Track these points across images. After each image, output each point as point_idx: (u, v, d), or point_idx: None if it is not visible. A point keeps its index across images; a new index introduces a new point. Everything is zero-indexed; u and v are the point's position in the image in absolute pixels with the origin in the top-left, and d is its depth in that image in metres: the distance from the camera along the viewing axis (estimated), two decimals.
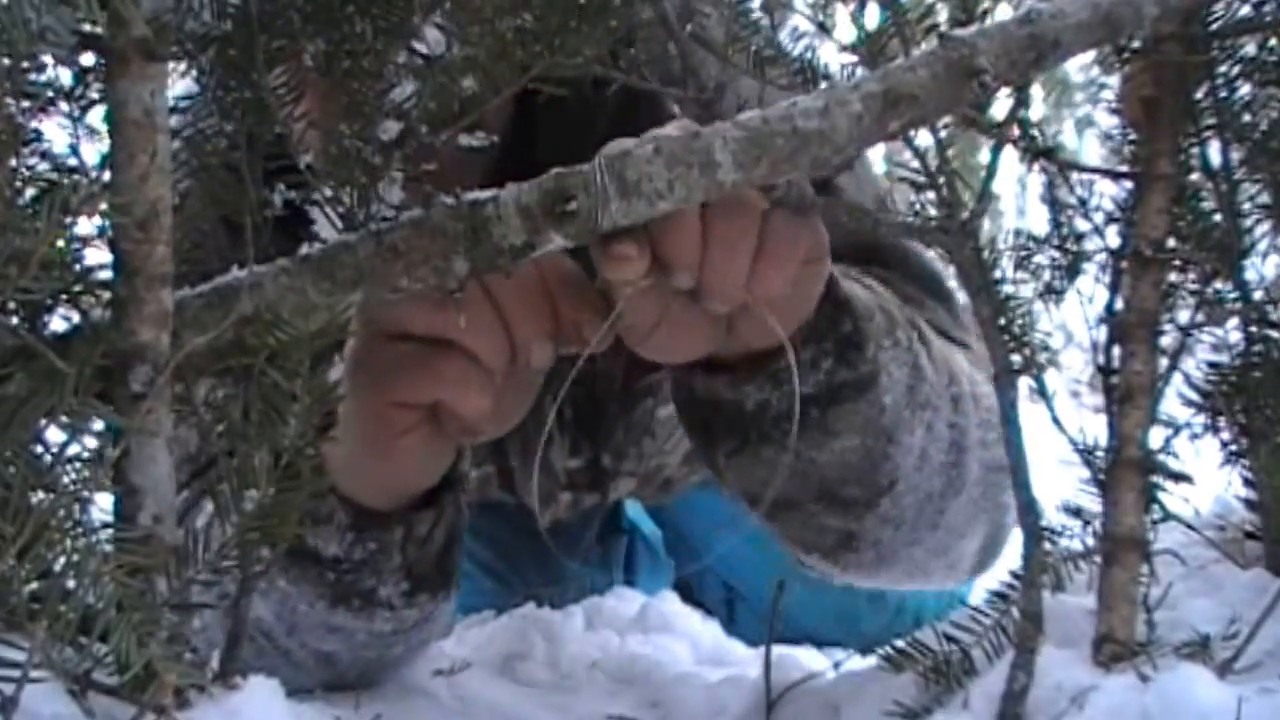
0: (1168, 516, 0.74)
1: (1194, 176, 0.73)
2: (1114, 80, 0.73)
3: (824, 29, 0.71)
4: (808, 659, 1.15)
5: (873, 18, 0.69)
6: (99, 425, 0.51)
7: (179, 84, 0.56)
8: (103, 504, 0.53)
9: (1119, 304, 0.73)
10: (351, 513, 0.85)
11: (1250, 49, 0.73)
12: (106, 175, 0.52)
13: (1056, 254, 0.76)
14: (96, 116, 0.53)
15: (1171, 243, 0.72)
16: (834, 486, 0.91)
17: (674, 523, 1.61)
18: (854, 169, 0.96)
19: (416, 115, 0.61)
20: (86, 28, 0.51)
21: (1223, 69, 0.72)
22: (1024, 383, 0.73)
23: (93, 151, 0.54)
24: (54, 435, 0.50)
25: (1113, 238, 0.74)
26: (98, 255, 0.53)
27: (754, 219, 0.72)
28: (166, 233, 0.52)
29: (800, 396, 0.78)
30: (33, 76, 0.50)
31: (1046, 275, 0.76)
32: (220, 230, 0.61)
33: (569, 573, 1.56)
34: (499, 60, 0.60)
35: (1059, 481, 0.80)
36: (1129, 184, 0.73)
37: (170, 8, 0.52)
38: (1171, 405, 0.74)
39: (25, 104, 0.50)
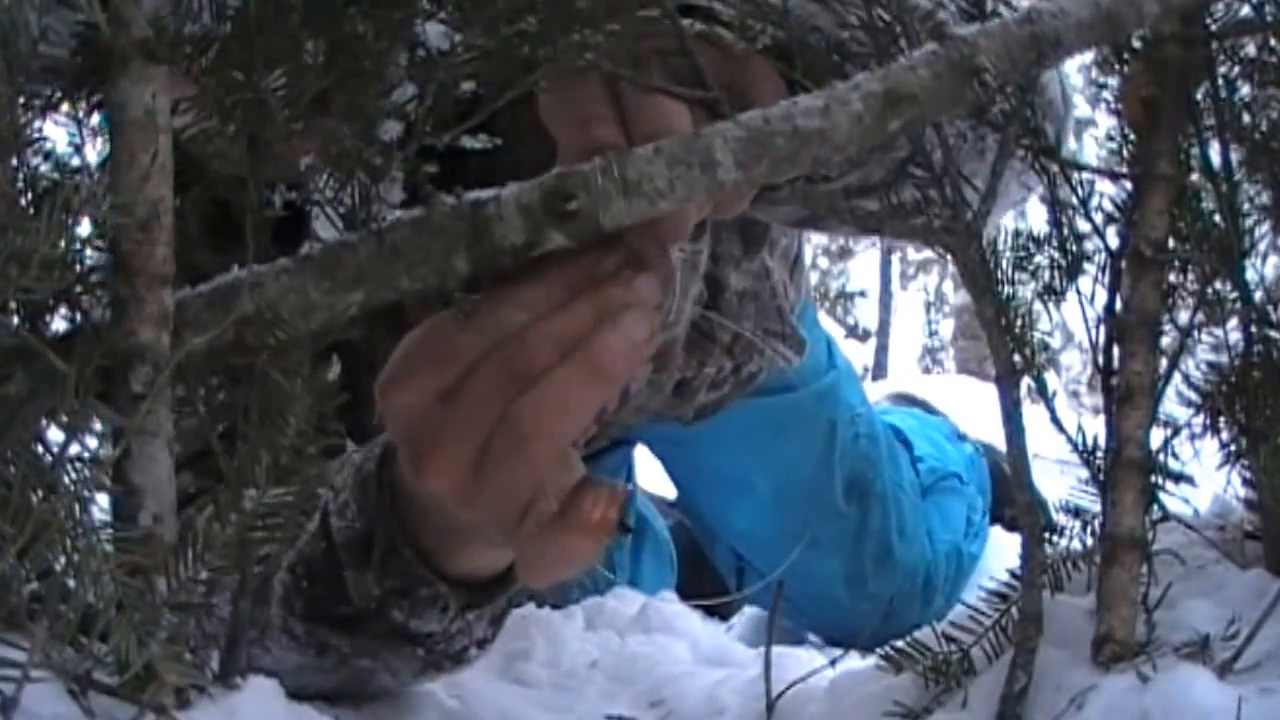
0: (1167, 516, 0.74)
1: (1194, 177, 0.73)
2: (1114, 80, 0.73)
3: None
4: (808, 659, 1.15)
5: None
6: (99, 425, 0.51)
7: None
8: (104, 504, 0.53)
9: (1119, 304, 0.73)
10: (465, 593, 0.82)
11: (1250, 49, 0.73)
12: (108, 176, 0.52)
13: (1056, 254, 0.76)
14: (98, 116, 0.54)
15: (1171, 243, 0.72)
16: (854, 191, 0.88)
17: (691, 492, 1.61)
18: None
19: (418, 116, 0.61)
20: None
21: (1223, 69, 0.72)
22: (1024, 383, 0.73)
23: (94, 152, 0.54)
24: (54, 435, 0.50)
25: (1113, 238, 0.74)
26: (97, 255, 0.53)
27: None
28: (167, 233, 0.52)
29: None
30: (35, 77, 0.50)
31: (1046, 275, 0.76)
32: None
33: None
34: (503, 61, 0.60)
35: (1059, 481, 0.80)
36: (1129, 184, 0.73)
37: (170, 9, 0.52)
38: (1171, 405, 0.74)
39: (25, 104, 0.50)
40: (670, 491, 1.77)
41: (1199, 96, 0.72)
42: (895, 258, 10.19)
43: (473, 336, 0.63)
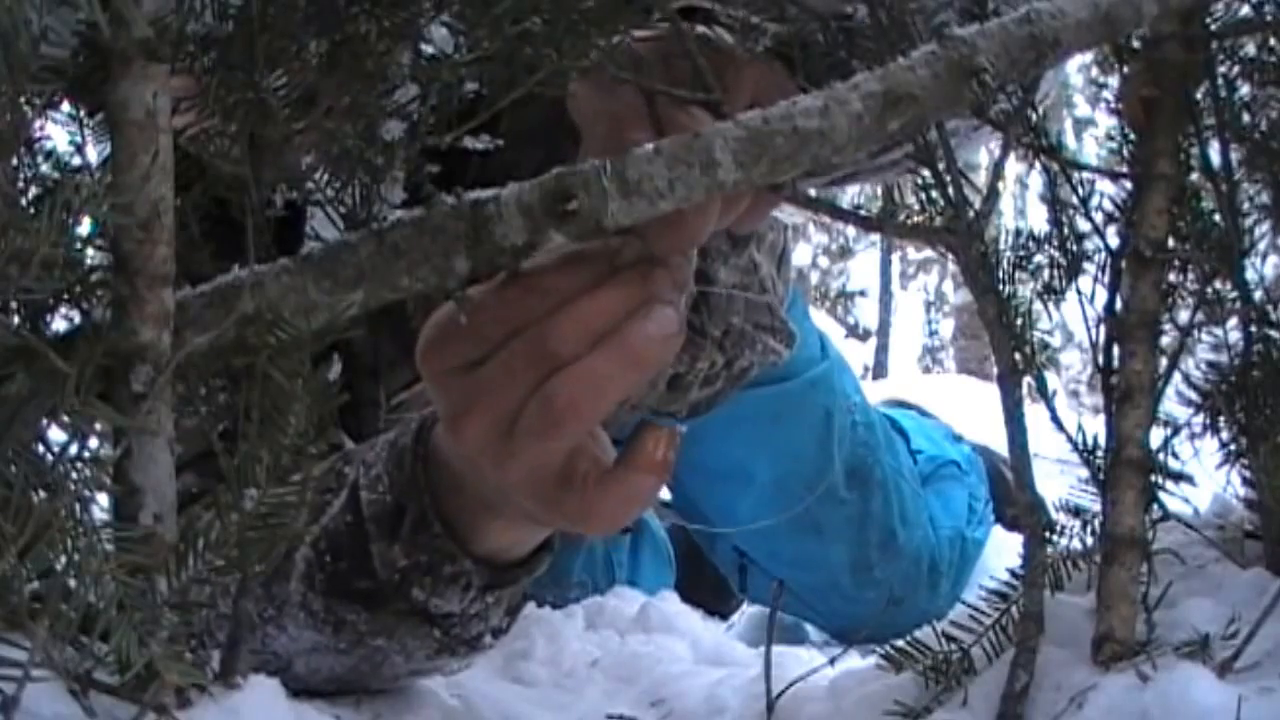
0: (1167, 516, 0.75)
1: (1194, 176, 0.73)
2: (1114, 80, 0.73)
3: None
4: (808, 658, 1.15)
5: None
6: (100, 425, 0.51)
7: None
8: (105, 503, 0.53)
9: (1119, 304, 0.73)
10: (488, 573, 0.84)
11: (1250, 49, 0.73)
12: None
13: (1056, 254, 0.76)
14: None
15: (1171, 243, 0.72)
16: None
17: (689, 487, 1.61)
18: None
19: (421, 116, 0.61)
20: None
21: (1223, 69, 0.73)
22: (1024, 382, 0.73)
23: (94, 152, 0.54)
24: (56, 435, 0.50)
25: (1113, 238, 0.74)
26: (98, 255, 0.53)
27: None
28: (168, 233, 0.52)
29: None
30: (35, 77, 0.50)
31: (1046, 275, 0.76)
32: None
33: (572, 573, 1.57)
34: (506, 62, 0.60)
35: (1059, 481, 0.80)
36: (1129, 184, 0.73)
37: (172, 8, 0.52)
38: (1171, 405, 0.74)
39: (25, 104, 0.50)
40: (664, 493, 1.76)
41: (1199, 96, 0.72)
42: (895, 257, 10.20)
43: (502, 316, 0.67)
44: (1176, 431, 0.74)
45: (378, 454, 0.85)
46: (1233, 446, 0.75)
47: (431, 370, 0.71)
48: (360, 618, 0.86)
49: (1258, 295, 0.74)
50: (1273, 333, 0.73)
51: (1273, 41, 0.72)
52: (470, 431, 0.70)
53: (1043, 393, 0.74)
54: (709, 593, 1.74)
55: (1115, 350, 0.72)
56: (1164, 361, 0.72)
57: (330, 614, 0.87)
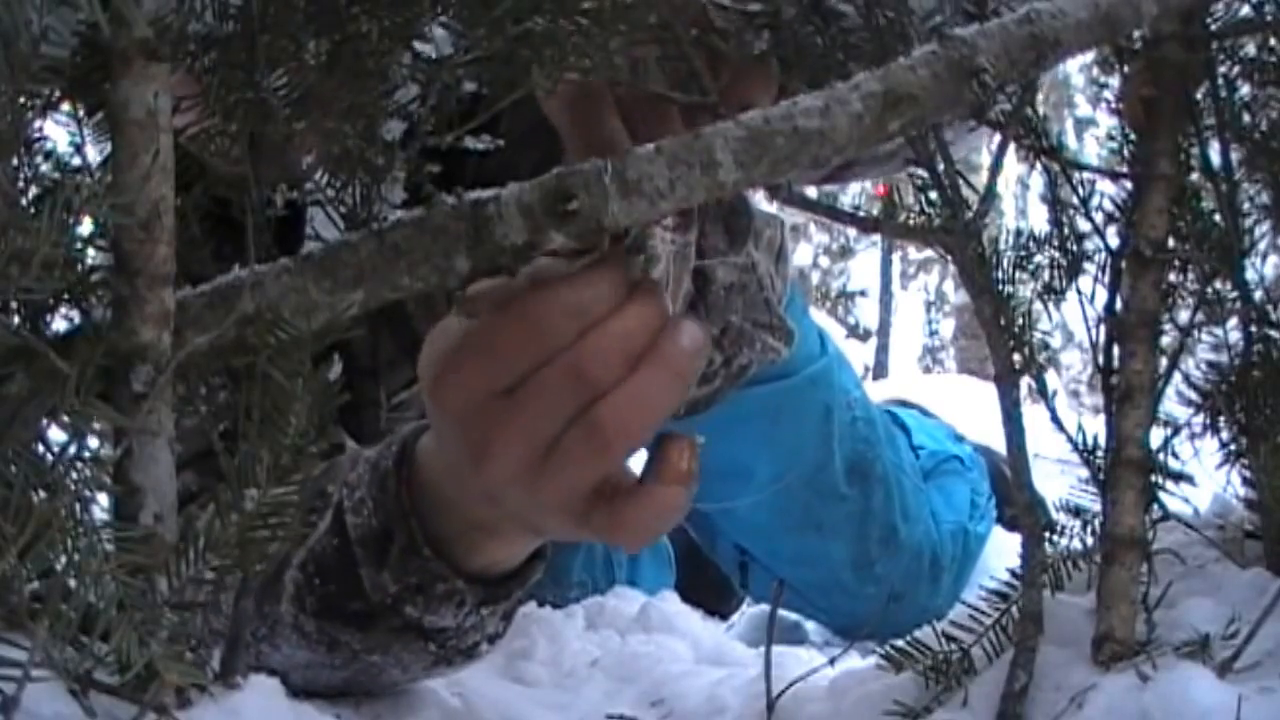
0: (1167, 516, 0.75)
1: (1194, 176, 0.73)
2: (1114, 80, 0.73)
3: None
4: (808, 658, 1.15)
5: None
6: (101, 425, 0.51)
7: None
8: (105, 503, 0.53)
9: (1119, 304, 0.73)
10: (481, 589, 0.83)
11: (1250, 49, 0.73)
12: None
13: (1057, 254, 0.76)
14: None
15: (1171, 243, 0.72)
16: None
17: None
18: None
19: (421, 116, 0.61)
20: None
21: (1223, 69, 0.73)
22: (1024, 382, 0.73)
23: (95, 152, 0.54)
24: (56, 435, 0.50)
25: (1113, 238, 0.74)
26: (98, 255, 0.53)
27: None
28: (168, 232, 0.52)
29: None
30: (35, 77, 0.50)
31: (1046, 275, 0.76)
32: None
33: (572, 573, 1.56)
34: (506, 63, 0.60)
35: (1059, 481, 0.80)
36: (1129, 184, 0.73)
37: (172, 8, 0.52)
38: (1171, 405, 0.74)
39: (25, 104, 0.50)
40: None
41: (1199, 96, 0.72)
42: (896, 257, 10.20)
43: (526, 341, 0.66)
44: (1176, 431, 0.74)
45: (360, 475, 0.84)
46: (1233, 446, 0.75)
47: (452, 403, 0.69)
48: (354, 637, 0.86)
49: (1258, 295, 0.74)
50: (1273, 333, 0.73)
51: (1273, 41, 0.72)
52: (501, 461, 0.68)
53: (1043, 393, 0.74)
54: (709, 593, 1.74)
55: (1115, 350, 0.72)
56: (1164, 361, 0.72)
57: (323, 634, 0.86)
